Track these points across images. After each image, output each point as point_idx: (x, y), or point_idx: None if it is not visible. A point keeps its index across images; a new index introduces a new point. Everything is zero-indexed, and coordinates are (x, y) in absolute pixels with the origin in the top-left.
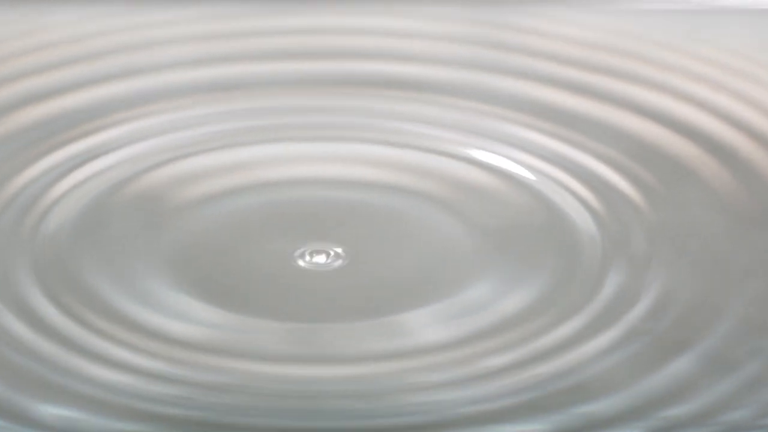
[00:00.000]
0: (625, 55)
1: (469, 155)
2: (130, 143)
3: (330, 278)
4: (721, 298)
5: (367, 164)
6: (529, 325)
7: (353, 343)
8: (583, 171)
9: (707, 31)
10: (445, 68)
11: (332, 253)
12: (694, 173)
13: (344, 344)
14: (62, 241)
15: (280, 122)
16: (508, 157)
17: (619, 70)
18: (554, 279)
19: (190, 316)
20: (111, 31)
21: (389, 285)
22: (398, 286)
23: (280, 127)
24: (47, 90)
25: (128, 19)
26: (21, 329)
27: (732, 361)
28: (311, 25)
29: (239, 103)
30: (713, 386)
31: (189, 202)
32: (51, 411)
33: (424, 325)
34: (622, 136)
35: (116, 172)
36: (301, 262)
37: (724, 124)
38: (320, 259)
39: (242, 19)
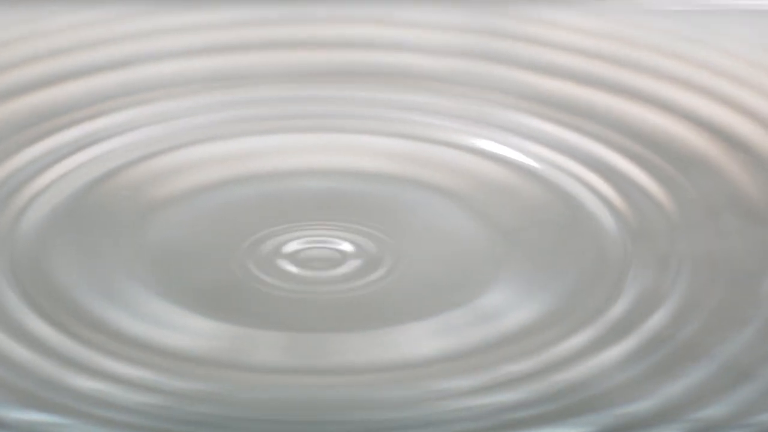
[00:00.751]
0: (637, 46)
1: (477, 146)
2: (117, 135)
3: (332, 282)
4: (743, 301)
5: (373, 157)
6: (549, 331)
7: (360, 353)
8: (600, 164)
9: (718, 25)
10: (453, 59)
11: (334, 253)
12: (707, 164)
13: (352, 354)
14: (40, 239)
15: (280, 113)
16: (520, 149)
17: (631, 61)
18: (574, 281)
19: (177, 324)
20: (104, 21)
21: (396, 289)
22: (407, 290)
23: (279, 118)
24: (38, 80)
25: (120, 9)
26: None
27: (752, 367)
28: (318, 16)
29: (239, 94)
30: (736, 391)
31: (178, 196)
32: (24, 417)
33: (431, 333)
34: (636, 129)
35: (102, 165)
36: (299, 264)
37: (741, 117)
38: (321, 260)
39: (238, 9)
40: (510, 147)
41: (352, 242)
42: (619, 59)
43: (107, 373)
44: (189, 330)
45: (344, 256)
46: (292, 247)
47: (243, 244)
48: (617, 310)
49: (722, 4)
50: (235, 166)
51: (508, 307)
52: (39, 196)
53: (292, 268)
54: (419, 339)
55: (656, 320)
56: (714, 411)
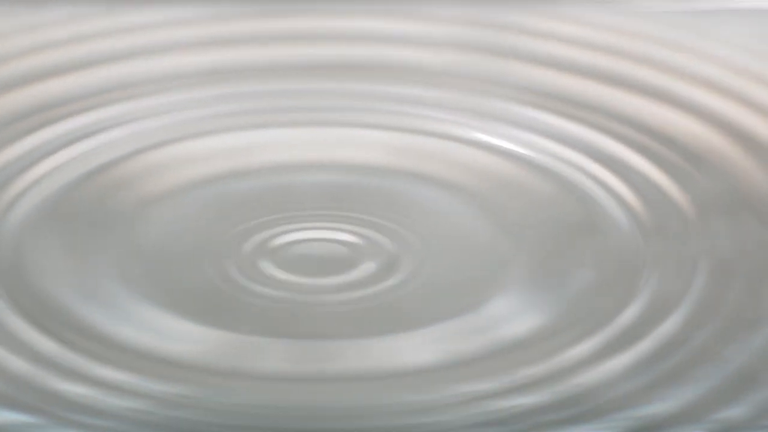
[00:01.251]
0: (647, 40)
1: (485, 140)
2: (109, 128)
3: (333, 286)
4: (759, 302)
5: (380, 152)
6: (563, 334)
7: (366, 359)
8: (613, 160)
9: (730, 22)
10: (457, 53)
11: (334, 250)
12: (722, 161)
13: (355, 360)
14: (27, 235)
15: (275, 107)
16: (529, 144)
17: (642, 56)
18: (586, 282)
19: (170, 330)
20: (97, 14)
21: (401, 294)
22: (411, 295)
23: (275, 112)
24: (29, 74)
25: (114, 3)
26: None
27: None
28: (315, 9)
29: (234, 88)
30: (752, 394)
31: (171, 192)
32: (10, 419)
33: (437, 340)
34: (650, 125)
35: (94, 159)
36: (298, 264)
37: (757, 115)
38: (320, 258)
39: (233, 3)
40: (519, 142)
41: (353, 237)
42: (626, 53)
43: (94, 378)
44: (184, 335)
45: (344, 255)
46: (289, 245)
47: (238, 242)
48: (632, 311)
49: (738, 1)
50: (230, 161)
51: (517, 311)
52: (28, 190)
53: (291, 270)
54: (425, 345)
55: (671, 323)
56: (730, 414)
